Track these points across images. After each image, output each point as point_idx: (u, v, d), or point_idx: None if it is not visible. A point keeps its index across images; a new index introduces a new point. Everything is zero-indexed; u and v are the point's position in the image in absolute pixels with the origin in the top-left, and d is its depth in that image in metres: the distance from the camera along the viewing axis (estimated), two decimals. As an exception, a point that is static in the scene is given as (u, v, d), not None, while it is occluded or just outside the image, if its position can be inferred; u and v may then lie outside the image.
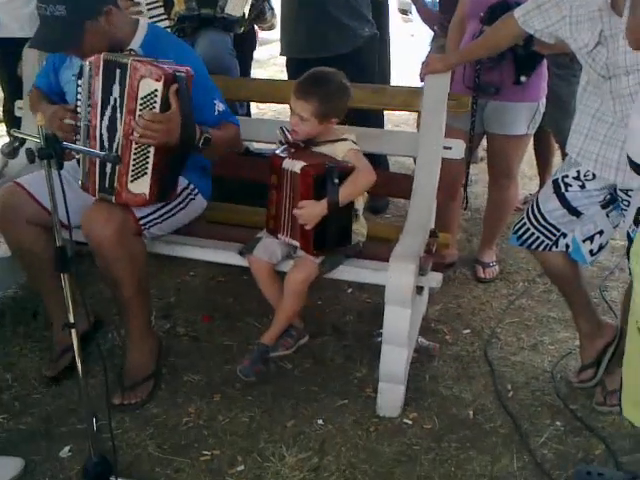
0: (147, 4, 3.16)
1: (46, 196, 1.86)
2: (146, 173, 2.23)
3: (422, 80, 2.68)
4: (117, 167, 2.23)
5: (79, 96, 2.30)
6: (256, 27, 3.97)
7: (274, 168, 2.34)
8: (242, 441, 2.29)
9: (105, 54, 2.22)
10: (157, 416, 2.40)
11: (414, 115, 4.54)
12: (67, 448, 2.25)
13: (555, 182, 2.34)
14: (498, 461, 2.21)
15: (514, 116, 2.99)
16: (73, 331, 1.91)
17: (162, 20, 3.19)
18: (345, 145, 2.33)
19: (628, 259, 1.98)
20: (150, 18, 3.10)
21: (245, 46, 3.79)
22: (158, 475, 2.15)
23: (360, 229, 2.42)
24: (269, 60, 8.05)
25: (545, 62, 2.98)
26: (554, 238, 2.35)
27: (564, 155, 3.06)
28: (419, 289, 2.42)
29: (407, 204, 2.67)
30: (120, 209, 2.29)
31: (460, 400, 2.48)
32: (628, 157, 1.64)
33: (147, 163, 2.22)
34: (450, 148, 2.62)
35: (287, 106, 2.38)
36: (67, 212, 1.80)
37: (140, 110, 2.16)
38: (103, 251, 2.28)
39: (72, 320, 1.90)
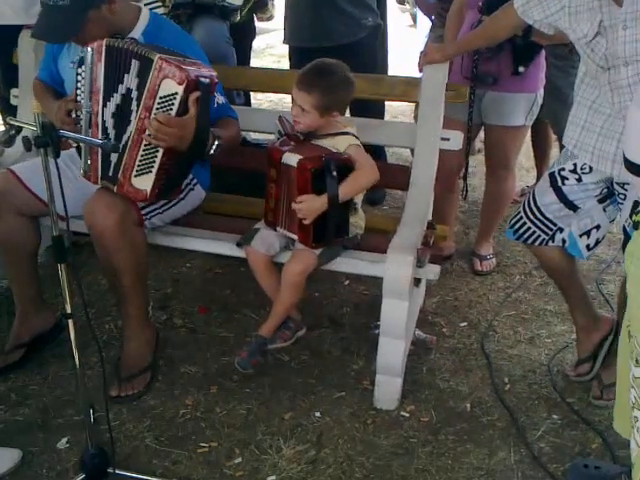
0: None
1: (40, 185, 1.84)
2: (151, 171, 2.21)
3: (421, 70, 2.67)
4: (125, 159, 2.20)
5: (79, 84, 2.25)
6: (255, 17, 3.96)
7: (273, 162, 2.32)
8: (239, 433, 2.29)
9: (107, 40, 2.18)
10: (154, 408, 2.39)
11: (411, 106, 4.53)
12: (64, 440, 2.25)
13: (552, 175, 2.33)
14: (495, 454, 2.21)
15: (512, 107, 2.98)
16: (70, 321, 1.90)
17: (157, 7, 3.16)
18: (346, 140, 2.31)
19: (624, 253, 1.97)
20: (145, 5, 3.08)
21: (244, 36, 3.77)
22: (155, 467, 2.15)
23: (358, 222, 2.41)
24: (265, 50, 8.03)
25: (543, 53, 2.97)
26: (550, 233, 2.35)
27: (562, 147, 3.06)
28: (416, 281, 2.42)
29: (404, 196, 2.67)
30: (122, 199, 2.28)
31: (457, 393, 2.49)
32: (624, 156, 1.63)
33: (154, 162, 2.20)
34: (448, 139, 2.61)
35: (284, 96, 2.37)
36: (64, 200, 1.79)
37: (157, 109, 2.12)
38: (105, 241, 2.28)
39: (69, 310, 1.90)
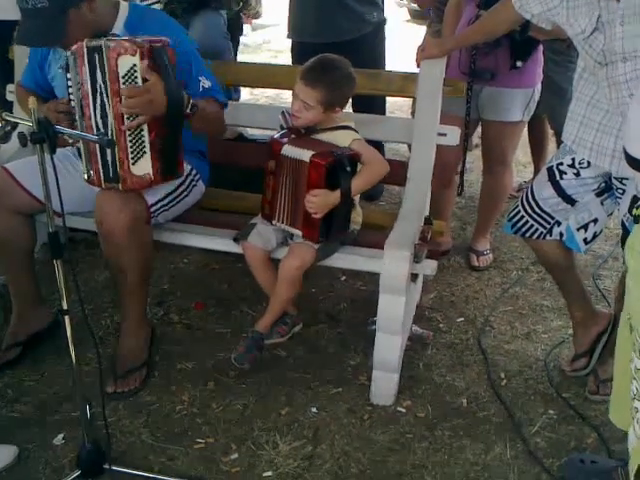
0: None
1: (34, 182, 1.83)
2: (145, 152, 2.20)
3: (419, 65, 2.66)
4: (117, 154, 2.19)
5: (70, 89, 2.23)
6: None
7: (273, 154, 2.32)
8: (236, 429, 2.29)
9: (87, 41, 2.16)
10: (150, 404, 2.39)
11: (409, 101, 4.52)
12: (61, 436, 2.24)
13: (550, 170, 2.33)
14: (491, 449, 2.21)
15: (509, 102, 2.98)
16: (67, 317, 1.90)
17: (153, 3, 3.16)
18: (347, 134, 2.31)
19: (622, 248, 1.98)
20: (141, 1, 3.07)
21: (232, 32, 3.77)
22: (152, 463, 2.15)
23: (356, 217, 2.41)
24: (262, 45, 8.02)
25: (541, 48, 2.97)
26: (548, 226, 2.35)
27: (559, 142, 3.06)
28: (413, 277, 2.42)
29: (401, 191, 2.67)
30: (133, 198, 2.26)
31: (453, 388, 2.49)
32: (625, 151, 1.62)
33: (144, 142, 2.19)
34: (445, 135, 2.61)
35: (281, 92, 2.37)
36: (60, 197, 1.78)
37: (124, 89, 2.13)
38: (115, 239, 2.26)
39: (65, 307, 1.89)
